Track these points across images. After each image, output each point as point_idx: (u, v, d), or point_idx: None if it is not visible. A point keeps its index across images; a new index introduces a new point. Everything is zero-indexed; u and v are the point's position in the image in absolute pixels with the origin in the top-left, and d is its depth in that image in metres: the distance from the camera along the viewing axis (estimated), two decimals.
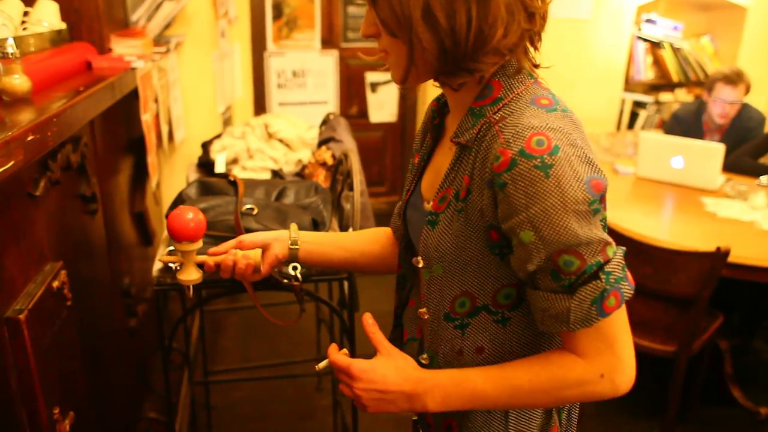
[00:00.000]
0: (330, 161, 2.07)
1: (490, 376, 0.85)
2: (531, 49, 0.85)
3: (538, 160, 0.74)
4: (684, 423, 2.47)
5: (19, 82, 1.16)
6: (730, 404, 2.55)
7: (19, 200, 1.09)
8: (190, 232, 1.04)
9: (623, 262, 0.80)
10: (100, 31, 1.77)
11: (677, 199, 2.77)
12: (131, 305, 1.93)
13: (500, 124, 0.79)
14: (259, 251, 1.11)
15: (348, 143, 2.19)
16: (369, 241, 1.18)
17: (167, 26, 2.46)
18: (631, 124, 4.09)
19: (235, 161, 2.18)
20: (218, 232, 1.43)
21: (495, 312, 0.88)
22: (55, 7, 1.61)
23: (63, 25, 1.64)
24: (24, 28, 1.48)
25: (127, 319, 1.90)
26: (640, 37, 3.93)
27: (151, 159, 1.99)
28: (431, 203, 0.89)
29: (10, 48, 1.14)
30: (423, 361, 0.95)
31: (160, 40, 2.37)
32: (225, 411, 2.55)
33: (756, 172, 2.92)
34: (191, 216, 1.04)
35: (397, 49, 0.83)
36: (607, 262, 0.78)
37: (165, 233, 1.58)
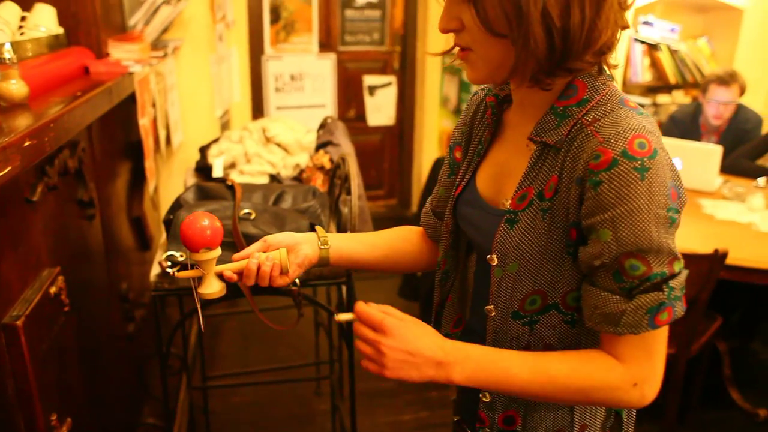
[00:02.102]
0: (328, 165, 2.07)
1: (526, 361, 0.83)
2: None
3: (639, 162, 0.74)
4: (683, 425, 2.46)
5: (16, 87, 1.16)
6: (728, 406, 2.55)
7: (16, 206, 1.09)
8: (206, 239, 0.95)
9: (684, 283, 0.80)
10: (97, 36, 1.77)
11: None
12: (129, 310, 1.92)
13: (595, 125, 0.79)
14: (284, 251, 1.03)
15: (346, 147, 2.19)
16: (400, 239, 1.16)
17: (165, 30, 2.45)
18: None
19: (232, 165, 2.18)
20: None
21: (565, 313, 0.87)
22: (53, 11, 1.61)
23: (60, 30, 1.64)
24: (21, 33, 1.48)
25: (125, 324, 1.90)
26: (637, 39, 3.94)
27: (149, 163, 1.99)
28: (509, 201, 0.88)
29: (7, 53, 1.14)
30: None
31: (157, 44, 2.37)
32: (223, 416, 2.54)
33: (753, 173, 2.93)
34: (207, 222, 0.96)
35: (492, 47, 0.80)
36: (673, 276, 0.78)
37: (163, 238, 1.58)
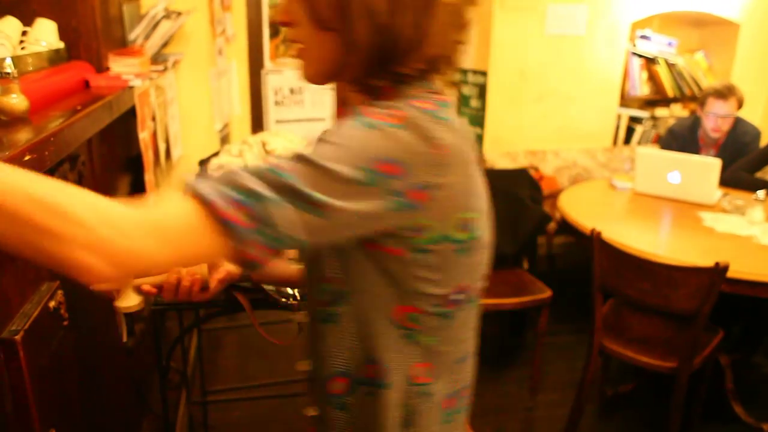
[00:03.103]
0: None
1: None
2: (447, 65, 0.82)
3: (365, 120, 0.71)
4: None
5: (16, 101, 1.16)
6: (731, 420, 2.53)
7: None
8: None
9: (282, 227, 0.66)
10: (97, 50, 1.77)
11: (675, 214, 2.77)
12: (128, 324, 1.91)
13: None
14: (205, 266, 1.02)
15: None
16: None
17: (165, 44, 2.46)
18: (627, 140, 4.10)
19: None
20: None
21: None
22: (54, 26, 1.62)
23: (61, 45, 1.65)
24: (22, 48, 1.48)
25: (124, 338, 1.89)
26: (635, 53, 3.96)
27: (149, 177, 1.99)
28: None
29: (8, 68, 1.14)
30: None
31: (157, 58, 2.38)
32: (223, 430, 2.52)
33: (753, 186, 2.93)
34: None
35: (320, 43, 0.77)
36: (273, 199, 0.66)
37: None
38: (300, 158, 0.68)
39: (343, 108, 0.86)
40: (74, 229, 0.60)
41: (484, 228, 0.82)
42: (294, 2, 0.77)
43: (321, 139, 0.71)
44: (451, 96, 0.83)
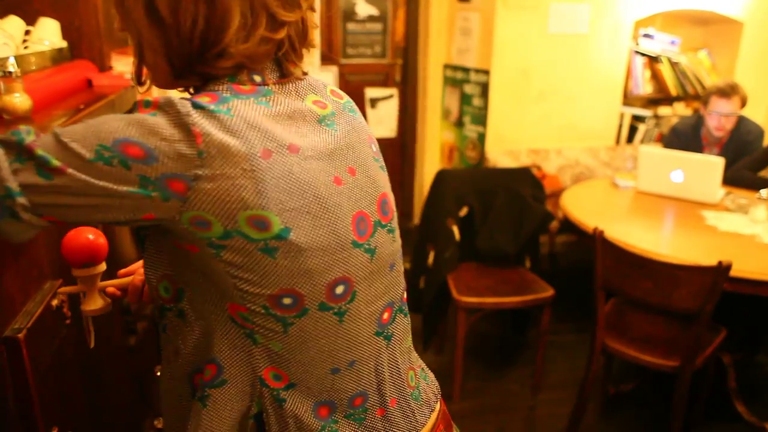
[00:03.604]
0: None
1: None
2: (287, 59, 0.81)
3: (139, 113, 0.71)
4: None
5: (19, 100, 1.16)
6: (734, 419, 2.53)
7: None
8: (85, 255, 0.93)
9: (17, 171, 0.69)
10: (100, 49, 1.78)
11: (678, 213, 2.77)
12: (131, 323, 1.91)
13: None
14: None
15: None
16: None
17: None
18: (630, 138, 4.10)
19: None
20: None
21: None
22: (57, 25, 1.62)
23: (64, 44, 1.65)
24: (25, 47, 1.49)
25: (127, 336, 1.89)
26: (637, 52, 3.95)
27: None
28: None
29: (12, 67, 1.14)
30: None
31: None
32: None
33: (756, 185, 2.92)
34: (91, 238, 0.94)
35: (139, 49, 0.80)
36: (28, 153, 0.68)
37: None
38: (53, 133, 0.70)
39: None
40: None
41: (311, 231, 0.76)
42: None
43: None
44: (276, 86, 0.80)
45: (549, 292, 2.71)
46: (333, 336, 0.83)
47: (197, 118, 0.70)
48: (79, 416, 1.28)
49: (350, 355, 0.85)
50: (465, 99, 3.90)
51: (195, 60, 0.75)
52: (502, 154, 3.79)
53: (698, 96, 3.97)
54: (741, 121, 3.11)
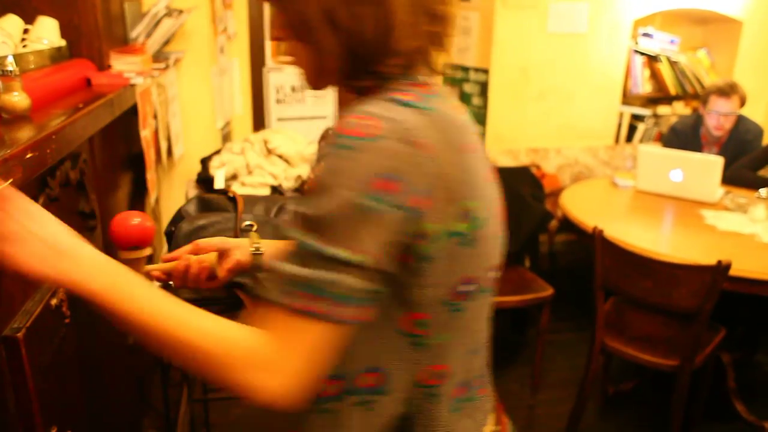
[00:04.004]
0: None
1: (156, 295, 0.74)
2: (437, 53, 0.83)
3: (344, 139, 0.70)
4: None
5: (18, 99, 1.16)
6: (733, 419, 2.53)
7: None
8: (133, 238, 0.95)
9: (356, 289, 0.71)
10: (99, 48, 1.77)
11: (677, 212, 2.77)
12: None
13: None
14: (214, 255, 1.02)
15: None
16: None
17: (166, 43, 2.46)
18: (629, 137, 4.10)
19: (234, 177, 2.18)
20: None
21: None
22: (55, 24, 1.62)
23: (63, 42, 1.65)
24: (24, 46, 1.48)
25: (126, 336, 1.89)
26: (637, 51, 3.95)
27: (150, 175, 1.99)
28: None
29: (10, 66, 1.14)
30: None
31: (159, 56, 2.38)
32: (224, 428, 2.52)
33: (755, 184, 2.92)
34: (137, 222, 0.96)
35: (303, 54, 0.81)
36: (344, 264, 0.70)
37: (164, 249, 1.57)
38: (306, 220, 0.70)
39: (340, 108, 0.88)
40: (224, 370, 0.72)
41: (489, 215, 0.80)
42: (279, 19, 0.82)
43: (312, 184, 0.72)
44: (439, 86, 0.84)
45: (548, 291, 2.71)
46: (483, 317, 0.90)
47: (419, 128, 0.73)
48: (78, 416, 1.28)
49: (485, 334, 0.93)
50: (464, 98, 3.89)
51: (370, 60, 0.78)
52: (501, 153, 3.79)
53: (697, 95, 3.97)
54: (740, 120, 3.11)
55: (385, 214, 0.69)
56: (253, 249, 1.05)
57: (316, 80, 0.84)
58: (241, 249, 1.05)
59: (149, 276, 1.01)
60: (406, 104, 0.74)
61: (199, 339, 0.72)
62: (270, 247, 1.07)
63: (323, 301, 0.69)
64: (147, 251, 0.98)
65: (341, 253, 0.68)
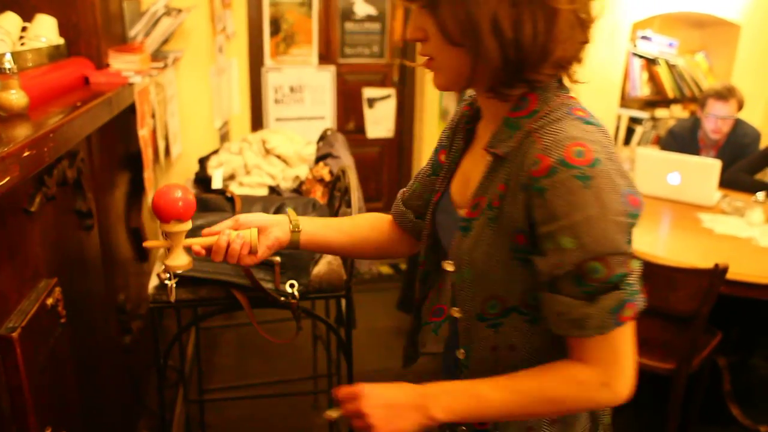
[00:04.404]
0: (327, 177, 2.06)
1: (498, 384, 0.86)
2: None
3: (578, 170, 0.76)
4: None
5: (16, 97, 1.16)
6: (729, 422, 2.53)
7: (14, 216, 1.08)
8: (178, 210, 0.96)
9: (640, 275, 0.83)
10: (97, 47, 1.77)
11: (674, 215, 2.77)
12: (126, 322, 1.91)
13: (539, 132, 0.81)
14: (255, 231, 1.03)
15: (345, 159, 2.19)
16: (369, 227, 1.19)
17: (165, 42, 2.46)
18: (627, 140, 4.10)
19: (232, 177, 2.18)
20: None
21: (526, 312, 0.89)
22: (54, 22, 1.61)
23: (61, 41, 1.64)
24: (22, 44, 1.48)
25: (122, 336, 1.88)
26: (635, 54, 3.96)
27: (148, 174, 1.98)
28: (465, 210, 0.91)
29: (8, 63, 1.13)
30: (459, 356, 0.96)
31: (157, 55, 2.38)
32: (220, 429, 2.52)
33: (752, 188, 2.93)
34: (180, 194, 0.96)
35: (451, 57, 0.83)
36: (630, 274, 0.80)
37: (161, 249, 1.57)
38: (593, 259, 0.79)
39: (485, 119, 0.95)
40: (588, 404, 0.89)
41: None
42: (425, 20, 0.83)
43: (565, 226, 0.78)
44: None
45: None
46: None
47: (603, 139, 0.82)
48: (73, 416, 1.28)
49: None
50: (463, 99, 3.89)
51: (526, 68, 0.80)
52: None
53: (695, 98, 3.97)
54: (738, 123, 3.12)
55: (637, 220, 0.81)
56: (292, 227, 1.08)
57: (461, 83, 0.86)
58: (280, 226, 1.07)
59: (190, 250, 1.02)
60: (588, 122, 0.81)
61: (555, 393, 0.85)
62: (308, 225, 1.10)
63: (634, 304, 0.81)
64: (187, 225, 0.98)
65: (633, 264, 0.81)
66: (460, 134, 1.02)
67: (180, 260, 1.00)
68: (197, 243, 1.02)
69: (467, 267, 0.90)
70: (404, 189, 1.19)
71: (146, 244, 1.05)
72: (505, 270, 0.86)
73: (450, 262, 0.94)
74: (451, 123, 1.07)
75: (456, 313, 0.96)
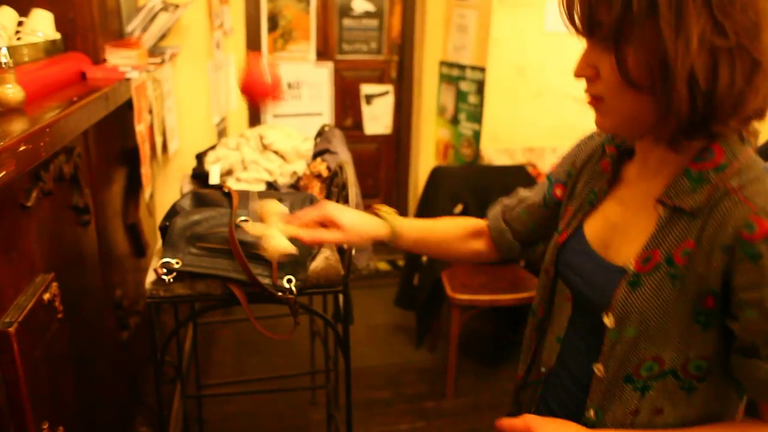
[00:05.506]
0: (325, 173, 2.06)
1: None
2: None
3: None
4: None
5: (12, 92, 1.15)
6: None
7: (10, 211, 1.08)
8: (266, 87, 0.96)
9: None
10: (94, 42, 1.76)
11: None
12: (123, 318, 1.91)
13: (744, 192, 0.76)
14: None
15: (343, 155, 2.18)
16: (465, 233, 1.21)
17: (162, 37, 2.45)
18: None
19: (229, 173, 2.17)
20: (212, 244, 1.41)
21: (683, 379, 0.85)
22: (50, 17, 1.60)
23: (57, 36, 1.64)
24: (18, 38, 1.47)
25: (119, 331, 1.88)
26: None
27: (145, 170, 1.98)
28: (633, 263, 0.84)
29: (4, 58, 1.13)
30: (589, 416, 0.91)
31: (155, 50, 2.37)
32: (218, 425, 2.52)
33: None
34: (265, 65, 0.95)
35: (626, 100, 0.77)
36: None
37: (158, 245, 1.56)
38: None
39: (644, 165, 0.89)
40: None
41: None
42: (599, 57, 0.78)
43: None
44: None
45: None
46: None
47: None
48: (70, 411, 1.28)
49: None
50: (460, 96, 3.89)
51: (717, 121, 0.75)
52: (497, 152, 3.79)
53: None
54: None
55: None
56: (389, 229, 1.16)
57: (634, 129, 0.82)
58: (374, 224, 1.16)
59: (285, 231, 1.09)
60: None
61: None
62: (406, 224, 1.18)
63: None
64: (284, 209, 1.09)
65: None
66: (598, 175, 0.97)
67: (283, 243, 1.07)
68: (286, 232, 1.10)
69: (634, 324, 0.83)
70: (505, 203, 1.17)
71: (247, 229, 1.20)
72: (680, 332, 0.81)
73: (611, 316, 0.85)
74: (575, 158, 1.03)
75: (599, 370, 0.89)
